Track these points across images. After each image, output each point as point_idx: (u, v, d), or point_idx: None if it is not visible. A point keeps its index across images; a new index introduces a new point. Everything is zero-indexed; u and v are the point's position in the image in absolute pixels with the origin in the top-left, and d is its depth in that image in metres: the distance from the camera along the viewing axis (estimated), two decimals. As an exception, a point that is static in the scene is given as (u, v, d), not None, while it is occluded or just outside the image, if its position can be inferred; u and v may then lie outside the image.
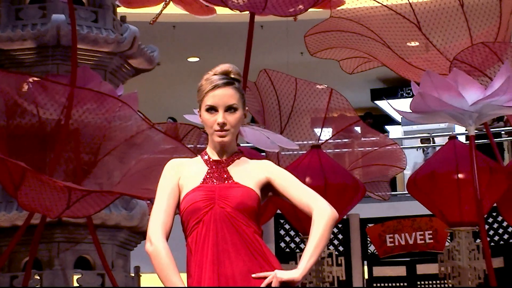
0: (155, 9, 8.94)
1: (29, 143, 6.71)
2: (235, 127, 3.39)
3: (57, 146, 6.62)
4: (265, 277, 3.23)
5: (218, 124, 3.35)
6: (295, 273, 3.23)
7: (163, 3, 8.25)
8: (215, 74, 3.40)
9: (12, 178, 6.88)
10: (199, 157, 3.47)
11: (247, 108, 3.48)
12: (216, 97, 3.37)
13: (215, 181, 3.37)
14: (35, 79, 6.88)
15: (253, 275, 3.24)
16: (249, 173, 3.38)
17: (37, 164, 6.40)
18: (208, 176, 3.38)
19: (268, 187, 3.39)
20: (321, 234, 3.28)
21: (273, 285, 3.20)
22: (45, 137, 6.77)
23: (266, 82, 8.64)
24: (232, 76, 3.42)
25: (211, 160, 3.43)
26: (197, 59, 17.38)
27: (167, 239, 3.33)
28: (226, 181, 3.36)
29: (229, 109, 3.37)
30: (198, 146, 8.38)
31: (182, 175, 3.42)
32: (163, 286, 3.35)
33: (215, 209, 3.29)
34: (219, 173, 3.39)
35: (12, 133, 6.71)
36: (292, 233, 11.30)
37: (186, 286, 3.26)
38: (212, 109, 3.37)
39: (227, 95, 3.37)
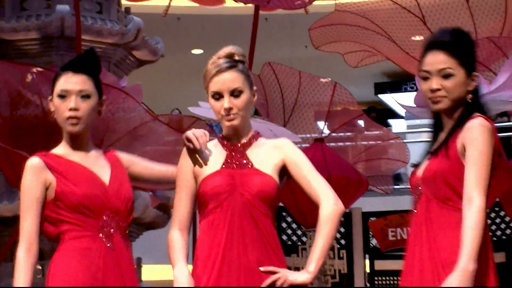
0: (159, 1, 8.92)
1: (32, 134, 6.71)
2: (243, 110, 3.33)
3: (61, 137, 6.62)
4: (272, 272, 3.20)
5: (224, 109, 3.31)
6: (305, 277, 3.21)
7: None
8: (219, 58, 3.35)
9: (15, 168, 6.89)
10: (216, 140, 3.43)
11: (255, 88, 3.42)
12: (219, 82, 3.33)
13: (235, 166, 3.32)
14: (39, 69, 6.88)
15: (261, 268, 3.20)
16: (267, 158, 3.32)
17: (40, 155, 6.40)
18: (228, 161, 3.33)
19: (284, 170, 3.34)
20: (328, 233, 3.25)
21: (279, 284, 3.17)
22: (49, 128, 6.77)
23: (270, 75, 8.64)
24: (236, 58, 3.35)
25: (229, 144, 3.38)
26: (201, 51, 17.38)
27: (188, 230, 3.39)
28: (246, 167, 3.31)
29: (234, 92, 3.32)
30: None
31: (197, 162, 3.38)
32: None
33: (235, 195, 3.25)
34: (238, 157, 3.34)
35: (16, 124, 6.71)
36: (294, 226, 11.29)
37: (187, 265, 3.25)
38: (217, 94, 3.33)
39: (230, 79, 3.32)
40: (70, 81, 3.39)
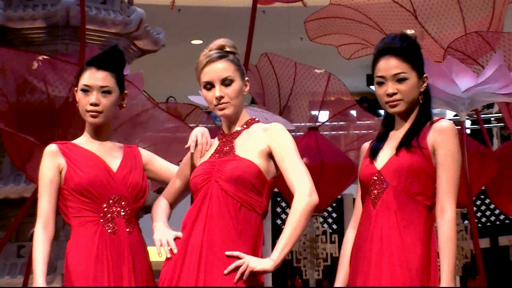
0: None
1: (38, 119, 6.71)
2: (235, 99, 3.31)
3: (65, 122, 6.62)
4: (237, 257, 3.15)
5: (216, 98, 3.29)
6: (268, 264, 3.13)
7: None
8: (210, 50, 3.34)
9: (21, 152, 6.90)
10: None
11: (247, 78, 3.39)
12: (210, 72, 3.31)
13: (217, 155, 3.31)
14: (45, 57, 6.88)
15: (227, 253, 3.14)
16: (253, 144, 3.28)
17: (45, 140, 6.39)
18: (215, 150, 3.33)
19: (272, 155, 3.28)
20: (297, 224, 3.18)
21: (242, 270, 3.11)
22: (54, 114, 6.78)
23: (266, 65, 8.63)
24: (227, 49, 3.34)
25: (222, 134, 3.38)
26: (200, 41, 17.34)
27: (173, 204, 3.52)
28: (228, 154, 3.28)
29: (225, 81, 3.30)
30: (200, 125, 8.38)
31: (196, 154, 3.39)
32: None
33: (211, 183, 3.23)
34: (224, 146, 3.32)
35: (22, 109, 6.72)
36: (288, 210, 11.31)
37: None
38: (209, 84, 3.32)
39: (220, 68, 3.30)
40: (93, 77, 3.45)
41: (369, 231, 3.20)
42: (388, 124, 3.36)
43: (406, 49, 3.26)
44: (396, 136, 3.28)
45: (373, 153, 3.29)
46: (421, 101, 3.28)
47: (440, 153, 3.15)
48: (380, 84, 3.27)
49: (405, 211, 3.16)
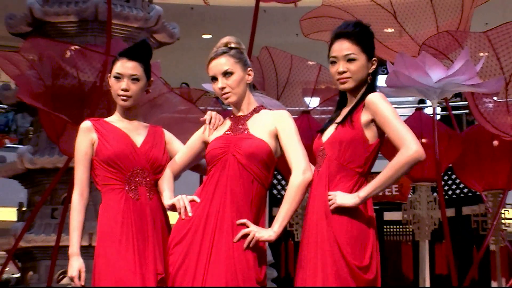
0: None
1: (70, 100, 6.71)
2: (236, 87, 3.32)
3: (93, 103, 6.63)
4: (244, 225, 3.16)
5: (219, 89, 3.33)
6: (269, 235, 3.16)
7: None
8: (216, 47, 3.36)
9: (55, 128, 6.91)
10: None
11: (250, 68, 3.38)
12: (213, 67, 3.34)
13: (232, 133, 3.32)
14: (76, 47, 6.87)
15: (237, 222, 3.16)
16: (264, 125, 3.29)
17: (76, 118, 6.41)
18: (230, 128, 3.34)
19: (278, 137, 3.30)
20: (293, 200, 3.20)
21: (249, 238, 3.13)
22: (83, 96, 6.77)
23: (266, 57, 8.61)
24: (232, 45, 3.35)
25: (234, 116, 3.39)
26: (210, 36, 17.32)
27: (177, 174, 3.49)
28: (243, 133, 3.29)
29: (226, 74, 3.31)
30: (209, 108, 8.38)
31: (209, 131, 3.40)
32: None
33: (228, 156, 3.24)
34: (238, 126, 3.33)
35: (56, 91, 6.72)
36: (283, 182, 11.35)
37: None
38: (214, 78, 3.35)
39: (221, 63, 3.32)
40: (124, 66, 3.47)
41: (311, 192, 3.23)
42: (342, 103, 3.32)
43: (358, 34, 3.22)
44: (343, 112, 3.26)
45: (322, 129, 3.29)
46: (369, 81, 3.24)
47: (378, 119, 3.11)
48: (333, 63, 3.24)
49: (336, 176, 3.14)
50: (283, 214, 3.20)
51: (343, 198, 3.08)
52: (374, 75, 3.26)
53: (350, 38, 3.21)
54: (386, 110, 3.11)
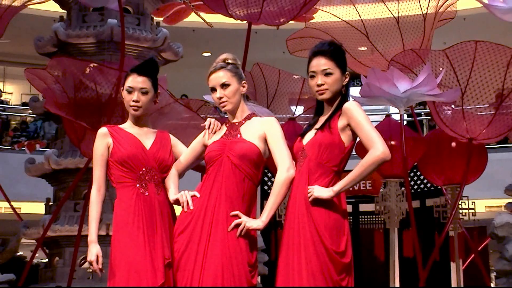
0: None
1: (89, 109, 6.70)
2: (232, 97, 3.31)
3: (109, 112, 6.62)
4: (237, 215, 3.16)
5: (217, 98, 3.33)
6: (257, 224, 3.17)
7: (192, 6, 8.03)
8: (216, 63, 3.36)
9: (77, 134, 6.90)
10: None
11: (244, 81, 3.37)
12: (212, 80, 3.33)
13: (230, 137, 3.30)
14: (95, 64, 6.86)
15: (231, 213, 3.16)
16: (254, 131, 3.28)
17: (95, 125, 6.40)
18: (226, 134, 3.33)
19: (266, 140, 3.29)
20: (278, 193, 3.20)
21: (240, 228, 3.14)
22: (101, 106, 6.76)
23: (258, 72, 8.63)
24: (228, 61, 3.35)
25: (229, 123, 3.38)
26: (209, 54, 17.31)
27: (181, 173, 3.46)
28: (236, 137, 3.28)
29: (223, 85, 3.30)
30: (209, 116, 8.38)
31: (209, 136, 3.39)
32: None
33: (223, 158, 3.24)
34: (233, 131, 3.32)
35: (78, 102, 6.71)
36: (273, 179, 11.32)
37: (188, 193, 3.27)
38: (213, 89, 3.34)
39: (219, 76, 3.31)
40: (135, 80, 3.46)
41: (293, 187, 3.22)
42: (319, 111, 3.31)
43: (332, 52, 3.22)
44: (321, 119, 3.25)
45: (303, 133, 3.28)
46: (343, 92, 3.24)
47: (352, 124, 3.11)
48: (312, 77, 3.23)
49: (315, 174, 3.13)
50: (270, 206, 3.22)
51: (319, 191, 3.09)
52: (347, 87, 3.26)
53: (326, 55, 3.21)
54: (360, 116, 3.11)
